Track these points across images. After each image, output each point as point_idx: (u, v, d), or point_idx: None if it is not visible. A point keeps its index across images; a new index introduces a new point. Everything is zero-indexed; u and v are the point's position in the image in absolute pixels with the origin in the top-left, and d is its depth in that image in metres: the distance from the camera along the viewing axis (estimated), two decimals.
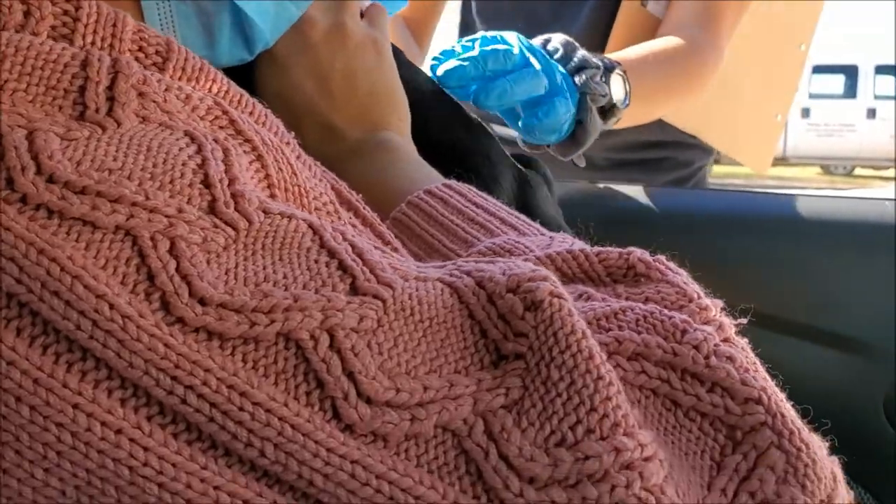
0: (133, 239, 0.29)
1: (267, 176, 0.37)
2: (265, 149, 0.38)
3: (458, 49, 0.78)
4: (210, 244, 0.30)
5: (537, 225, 0.50)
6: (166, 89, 0.36)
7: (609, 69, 0.87)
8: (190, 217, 0.31)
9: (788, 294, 1.05)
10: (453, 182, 0.54)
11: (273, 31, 0.53)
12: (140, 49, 0.38)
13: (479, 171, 0.67)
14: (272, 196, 0.37)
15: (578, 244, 0.45)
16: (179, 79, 0.39)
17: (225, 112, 0.38)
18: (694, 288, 0.38)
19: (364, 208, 0.46)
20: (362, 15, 0.64)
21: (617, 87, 0.88)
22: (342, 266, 0.32)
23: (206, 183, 0.32)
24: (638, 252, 0.40)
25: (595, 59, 0.85)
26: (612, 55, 0.94)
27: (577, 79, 0.82)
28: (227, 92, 0.40)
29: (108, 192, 0.29)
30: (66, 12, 0.37)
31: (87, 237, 0.28)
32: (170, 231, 0.30)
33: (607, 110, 0.87)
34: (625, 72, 0.90)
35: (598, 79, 0.84)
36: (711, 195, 1.20)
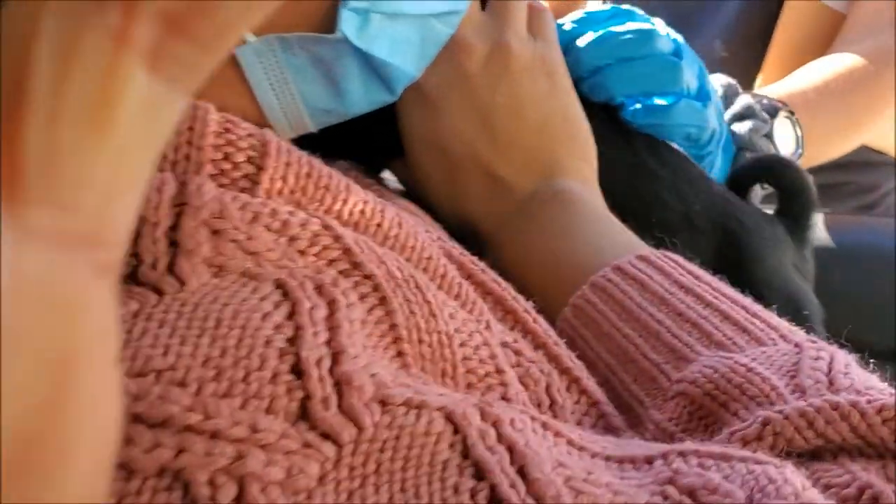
0: (184, 486, 0.19)
1: (392, 327, 0.27)
2: (391, 285, 0.27)
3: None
4: (297, 480, 0.20)
5: (771, 319, 0.37)
6: (253, 218, 0.26)
7: (772, 113, 0.70)
8: (269, 437, 0.21)
9: None
10: (656, 253, 0.41)
11: (419, 62, 0.44)
12: (225, 157, 0.29)
13: (655, 216, 0.53)
14: (400, 356, 0.26)
15: (843, 363, 0.32)
16: (279, 192, 0.29)
17: (337, 238, 0.28)
18: None
19: (537, 324, 0.35)
20: None
21: (784, 136, 0.71)
22: (496, 498, 0.21)
23: (298, 369, 0.22)
24: None
25: (759, 105, 0.69)
26: (778, 88, 0.77)
27: (736, 128, 0.67)
28: (346, 206, 0.31)
29: (148, 415, 0.20)
30: None
31: (119, 487, 0.19)
32: (236, 468, 0.20)
33: None
34: (792, 113, 0.72)
35: (763, 133, 0.68)
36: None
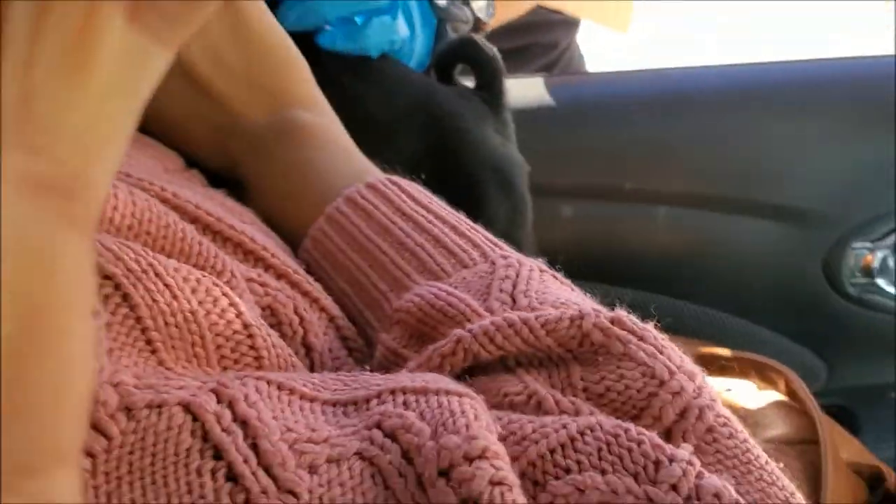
0: None
1: (138, 320, 0.30)
2: (131, 280, 0.30)
3: None
4: None
5: (476, 236, 0.42)
6: None
7: None
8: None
9: (721, 170, 1.02)
10: (382, 179, 0.44)
11: None
12: None
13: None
14: (150, 344, 0.30)
15: (525, 278, 0.38)
16: None
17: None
18: (663, 362, 0.32)
19: (272, 256, 0.39)
20: None
21: (481, 2, 0.77)
22: (232, 474, 0.25)
23: None
24: (592, 316, 0.34)
25: None
26: None
27: (434, 1, 0.70)
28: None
29: None
30: None
31: None
32: None
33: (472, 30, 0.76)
34: None
35: (459, 2, 0.72)
36: (613, 78, 1.12)
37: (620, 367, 0.32)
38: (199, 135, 0.48)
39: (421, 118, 0.60)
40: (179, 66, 0.46)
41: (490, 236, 0.43)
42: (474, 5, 0.75)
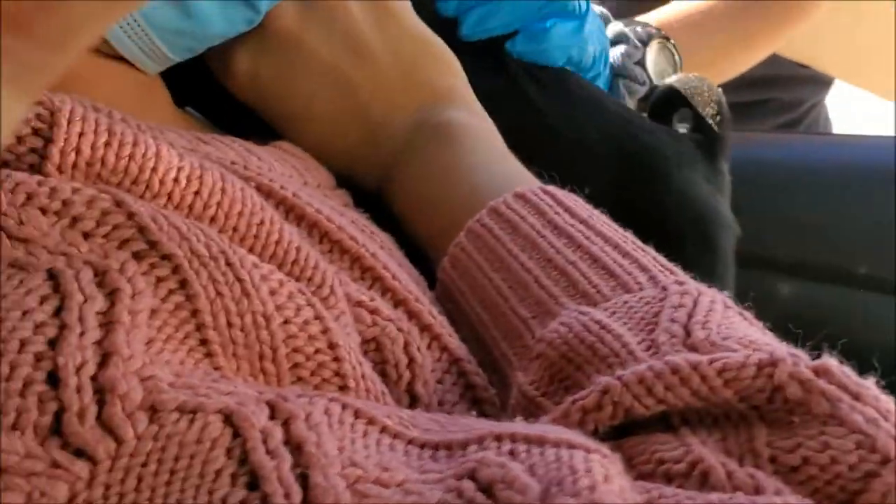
0: None
1: (195, 313, 0.24)
2: (194, 265, 0.25)
3: None
4: None
5: (644, 258, 0.35)
6: (26, 199, 0.24)
7: (644, 40, 0.67)
8: (9, 459, 0.19)
9: None
10: (534, 188, 0.38)
11: None
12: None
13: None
14: (204, 344, 0.24)
15: (704, 309, 0.30)
16: (74, 165, 0.27)
17: (130, 214, 0.25)
18: (888, 430, 0.23)
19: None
20: None
21: (658, 62, 0.68)
22: None
23: (56, 378, 0.20)
24: (788, 363, 0.25)
25: (631, 32, 0.66)
26: (657, 14, 0.73)
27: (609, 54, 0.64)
28: (156, 176, 0.28)
29: None
30: None
31: None
32: None
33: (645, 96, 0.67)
34: (668, 39, 0.68)
35: (635, 60, 0.65)
36: (859, 143, 0.99)
37: (825, 432, 0.23)
38: (349, 140, 0.45)
39: (613, 147, 0.53)
40: (323, 67, 0.43)
41: (663, 260, 0.35)
42: (653, 71, 0.68)
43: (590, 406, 0.27)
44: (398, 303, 0.33)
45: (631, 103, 0.66)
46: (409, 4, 0.46)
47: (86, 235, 0.24)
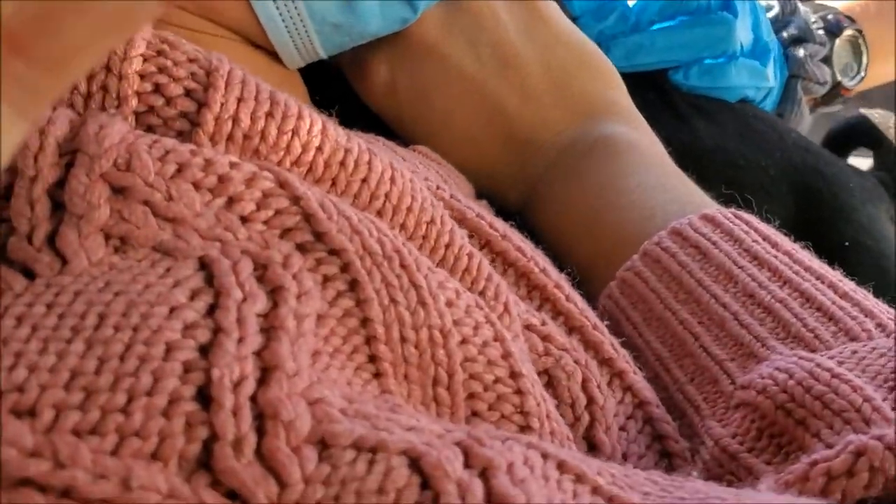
0: None
1: (365, 322, 0.20)
2: (366, 264, 0.21)
3: None
4: None
5: (865, 301, 0.30)
6: (177, 171, 0.20)
7: (835, 30, 0.60)
8: (147, 497, 0.14)
9: None
10: (724, 212, 0.33)
11: None
12: (156, 89, 0.22)
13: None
14: (373, 361, 0.20)
15: None
16: (229, 136, 0.23)
17: (296, 198, 0.21)
18: None
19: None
20: None
21: (845, 58, 0.61)
22: None
23: (207, 394, 0.16)
24: None
25: (818, 25, 0.59)
26: None
27: (791, 53, 0.58)
28: (321, 156, 0.24)
29: None
30: None
31: None
32: None
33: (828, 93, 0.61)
34: (860, 32, 0.61)
35: (818, 59, 0.58)
36: None
37: None
38: (492, 156, 0.41)
39: (793, 181, 0.48)
40: (465, 80, 0.40)
41: (885, 306, 0.30)
42: (837, 66, 0.61)
43: (838, 470, 0.22)
44: (573, 329, 0.28)
45: (806, 102, 0.60)
46: (558, 7, 0.42)
47: (244, 220, 0.20)
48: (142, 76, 0.22)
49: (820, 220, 0.49)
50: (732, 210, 0.34)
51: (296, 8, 0.34)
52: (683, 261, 0.32)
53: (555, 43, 0.41)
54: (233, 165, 0.21)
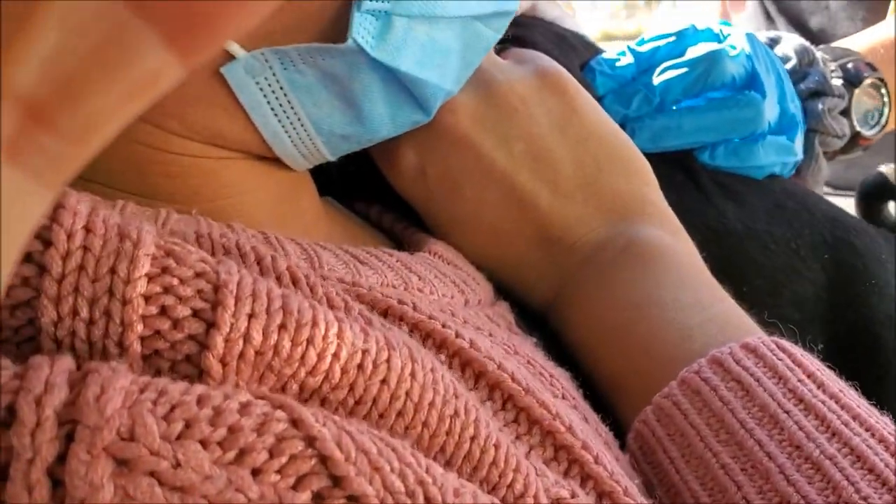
0: None
1: None
2: (389, 501, 0.19)
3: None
4: None
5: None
6: (185, 428, 0.18)
7: (855, 81, 0.57)
8: None
9: None
10: (766, 341, 0.32)
11: (459, 74, 0.35)
12: (163, 311, 0.21)
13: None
14: None
15: None
16: (241, 356, 0.21)
17: (310, 440, 0.20)
18: None
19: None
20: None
21: (865, 105, 0.58)
22: None
23: None
24: None
25: (837, 75, 0.56)
26: (871, 35, 0.63)
27: (809, 106, 0.55)
28: (337, 363, 0.22)
29: None
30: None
31: None
32: None
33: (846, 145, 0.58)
34: (882, 81, 0.58)
35: (837, 111, 0.56)
36: None
37: None
38: (520, 250, 0.40)
39: (825, 259, 0.46)
40: (496, 174, 0.38)
41: None
42: (856, 115, 0.59)
43: None
44: (602, 495, 0.27)
45: (824, 155, 0.58)
46: (593, 101, 0.41)
47: (256, 472, 0.19)
48: (146, 298, 0.21)
49: (856, 296, 0.48)
50: (774, 339, 0.32)
51: (302, 125, 0.33)
52: (725, 396, 0.31)
53: (587, 137, 0.39)
54: (242, 409, 0.19)
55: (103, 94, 0.12)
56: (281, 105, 0.32)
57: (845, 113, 0.57)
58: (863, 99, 0.58)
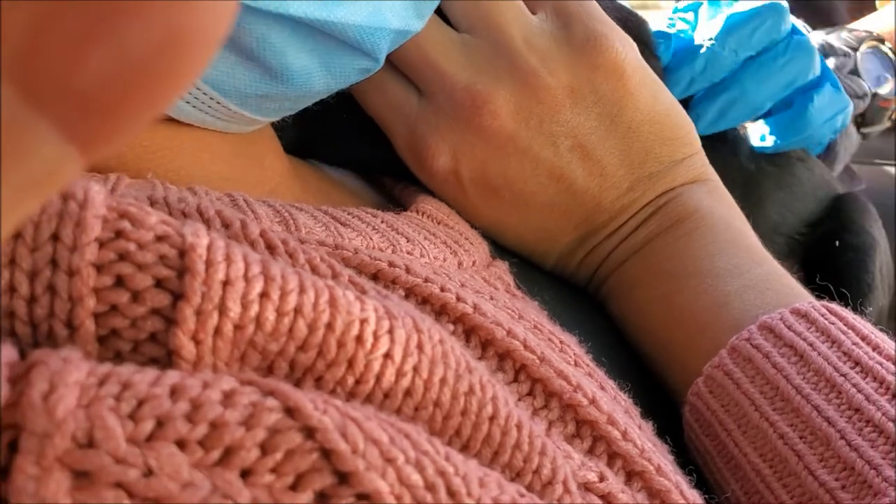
0: None
1: None
2: (406, 499, 0.16)
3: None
4: None
5: None
6: (156, 428, 0.15)
7: (854, 46, 0.58)
8: None
9: None
10: (817, 305, 0.31)
11: (413, 4, 0.31)
12: (119, 281, 0.17)
13: None
14: None
15: None
16: (216, 331, 0.18)
17: (310, 430, 0.16)
18: None
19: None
20: None
21: (873, 71, 0.58)
22: None
23: None
24: None
25: (838, 41, 0.57)
26: (870, 20, 0.64)
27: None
28: (328, 323, 0.19)
29: None
30: None
31: None
32: None
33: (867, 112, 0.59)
34: (882, 40, 0.59)
35: (847, 70, 0.56)
36: None
37: None
38: (560, 239, 0.39)
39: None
40: (542, 175, 0.37)
41: None
42: (867, 78, 0.58)
43: None
44: (632, 474, 0.24)
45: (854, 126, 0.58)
46: (650, 71, 0.39)
47: (245, 474, 0.15)
48: (98, 267, 0.17)
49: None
50: (825, 303, 0.31)
51: (198, 88, 0.28)
52: (778, 363, 0.29)
53: (640, 123, 0.37)
54: (225, 398, 0.16)
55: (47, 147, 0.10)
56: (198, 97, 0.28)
57: (855, 74, 0.58)
58: (868, 62, 0.58)
